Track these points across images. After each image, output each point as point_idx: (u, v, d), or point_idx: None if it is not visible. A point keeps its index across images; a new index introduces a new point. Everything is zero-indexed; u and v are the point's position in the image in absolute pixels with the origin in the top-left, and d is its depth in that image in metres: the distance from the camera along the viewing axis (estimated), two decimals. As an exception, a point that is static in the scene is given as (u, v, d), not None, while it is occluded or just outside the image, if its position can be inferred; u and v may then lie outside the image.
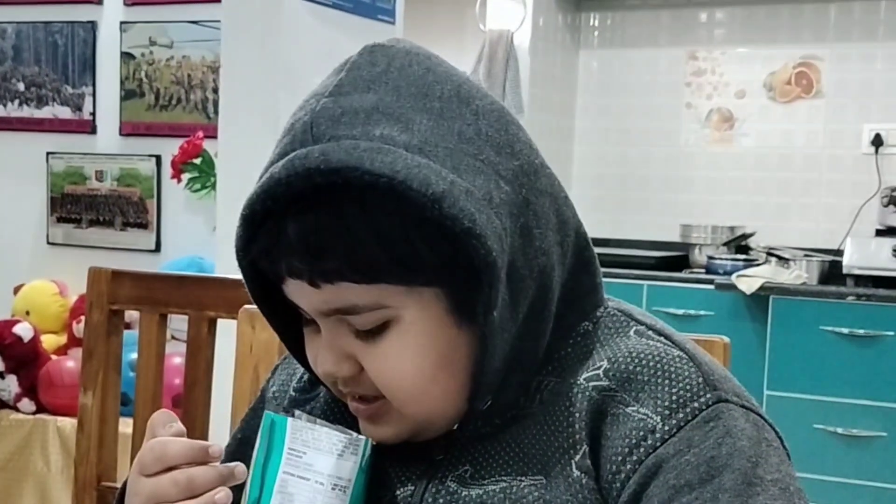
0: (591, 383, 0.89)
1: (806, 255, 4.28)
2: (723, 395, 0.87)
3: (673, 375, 0.88)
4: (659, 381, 0.88)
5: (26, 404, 3.50)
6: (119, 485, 1.74)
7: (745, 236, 4.57)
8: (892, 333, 3.84)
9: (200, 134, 3.60)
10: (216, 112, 3.25)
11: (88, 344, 1.77)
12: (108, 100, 4.02)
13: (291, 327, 0.97)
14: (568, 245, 0.93)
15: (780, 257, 4.27)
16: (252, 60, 2.88)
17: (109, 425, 1.77)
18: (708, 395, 0.87)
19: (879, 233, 4.17)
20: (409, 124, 0.85)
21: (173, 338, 3.01)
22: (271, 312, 0.97)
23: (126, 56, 3.97)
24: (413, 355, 0.88)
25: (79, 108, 4.07)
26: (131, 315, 1.84)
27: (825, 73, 4.55)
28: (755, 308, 4.08)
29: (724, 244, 4.52)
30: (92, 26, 4.03)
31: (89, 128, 4.05)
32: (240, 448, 1.03)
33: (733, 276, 4.11)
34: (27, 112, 4.16)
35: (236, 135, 2.90)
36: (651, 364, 0.89)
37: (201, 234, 3.71)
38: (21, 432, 3.46)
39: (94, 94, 4.04)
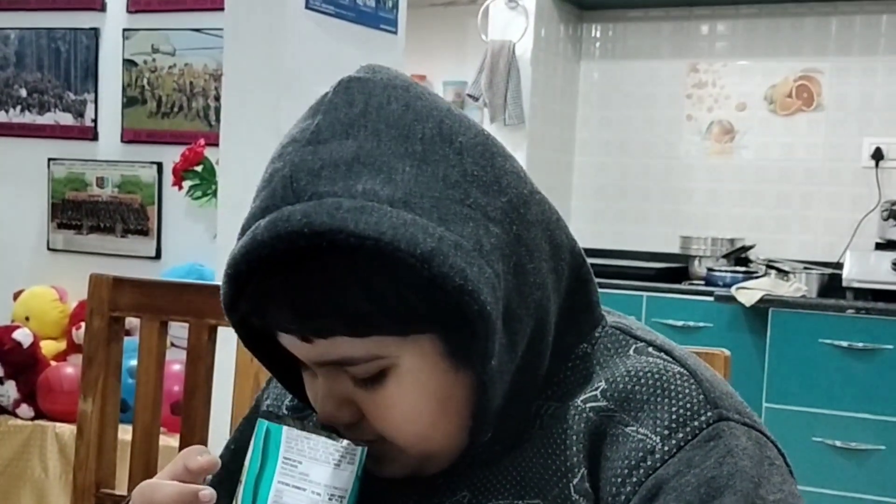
0: (589, 404, 0.88)
1: (805, 268, 4.28)
2: (724, 412, 0.86)
3: (672, 393, 0.86)
4: (658, 399, 0.86)
5: (25, 410, 3.50)
6: (117, 492, 1.74)
7: (745, 248, 4.57)
8: (891, 347, 3.84)
9: (202, 141, 3.61)
10: (218, 120, 3.25)
11: (88, 351, 1.77)
12: (109, 107, 4.02)
13: (286, 362, 0.94)
14: (563, 269, 0.92)
15: (779, 270, 4.27)
16: (254, 69, 2.89)
17: (109, 432, 1.77)
18: (709, 414, 0.85)
19: (879, 246, 4.18)
20: (391, 174, 0.82)
21: (173, 345, 3.01)
22: (265, 353, 0.95)
23: (128, 63, 3.98)
24: (413, 401, 0.87)
25: (80, 115, 4.07)
26: (131, 322, 1.84)
27: (826, 87, 4.56)
28: (754, 320, 4.08)
29: (724, 256, 4.52)
30: (94, 33, 4.04)
31: (91, 134, 4.06)
32: (234, 458, 1.02)
33: (733, 289, 4.11)
34: (29, 118, 4.16)
35: (238, 143, 2.90)
36: (650, 382, 0.88)
37: (202, 242, 3.72)
38: (19, 438, 3.46)
39: (95, 101, 4.05)
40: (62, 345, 3.82)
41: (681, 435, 0.84)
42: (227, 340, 1.58)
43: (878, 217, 4.25)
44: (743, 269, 4.42)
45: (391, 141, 0.83)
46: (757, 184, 4.68)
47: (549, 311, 0.89)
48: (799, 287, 4.14)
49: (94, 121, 4.06)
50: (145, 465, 1.73)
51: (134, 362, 1.78)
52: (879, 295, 3.99)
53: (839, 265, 4.24)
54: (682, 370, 0.89)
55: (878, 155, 4.41)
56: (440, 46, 4.96)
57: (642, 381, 0.88)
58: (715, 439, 0.84)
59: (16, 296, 3.95)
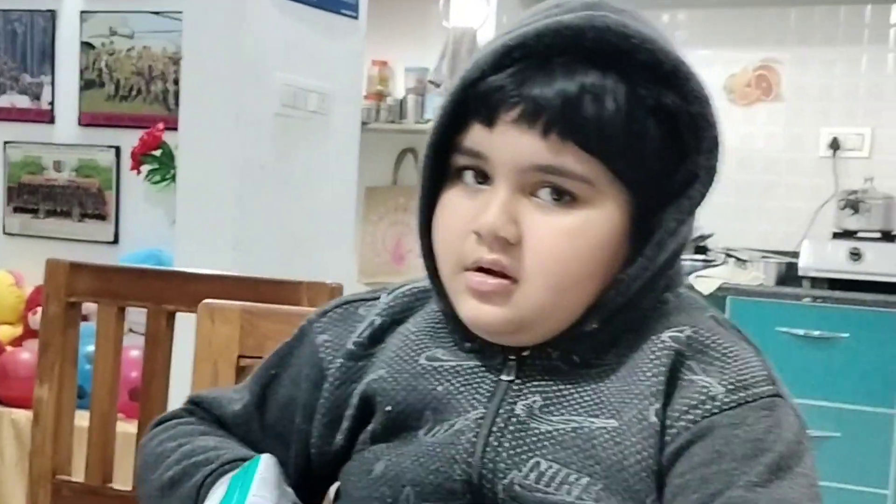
0: (675, 345, 0.92)
1: (763, 257, 4.31)
2: (781, 391, 0.92)
3: (742, 361, 0.92)
4: (729, 361, 0.92)
5: (-20, 396, 3.47)
6: (74, 478, 1.72)
7: (704, 237, 4.59)
8: (846, 335, 3.88)
9: (161, 125, 3.59)
10: (177, 104, 3.23)
11: (45, 336, 1.75)
12: (67, 89, 3.99)
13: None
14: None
15: (737, 258, 4.30)
16: (214, 52, 2.87)
17: (65, 418, 1.76)
18: (770, 387, 0.91)
19: (836, 235, 4.22)
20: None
21: (131, 330, 2.98)
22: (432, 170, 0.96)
23: (86, 46, 3.94)
24: (585, 243, 0.90)
25: (37, 98, 4.03)
26: (88, 307, 1.82)
27: (785, 77, 4.58)
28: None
29: (683, 244, 4.54)
30: (51, 15, 4.00)
31: (48, 117, 4.02)
32: (271, 384, 1.06)
33: (691, 277, 4.13)
34: (-16, 100, 4.12)
35: (197, 127, 2.89)
36: (726, 346, 0.93)
37: (160, 227, 3.69)
38: (-26, 424, 3.43)
39: (52, 84, 4.01)
40: (18, 330, 3.78)
41: (742, 394, 0.90)
42: (186, 326, 1.57)
43: (835, 206, 4.29)
44: (702, 257, 4.44)
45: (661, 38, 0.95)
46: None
47: (684, 246, 0.98)
48: (756, 275, 4.17)
49: (51, 104, 4.01)
50: (102, 451, 1.72)
51: (91, 348, 1.76)
52: (836, 284, 4.03)
53: (797, 254, 4.27)
54: (751, 348, 0.95)
55: (835, 145, 4.44)
56: (402, 32, 4.94)
57: (720, 342, 0.93)
58: (770, 409, 0.90)
59: (-29, 280, 3.91)
